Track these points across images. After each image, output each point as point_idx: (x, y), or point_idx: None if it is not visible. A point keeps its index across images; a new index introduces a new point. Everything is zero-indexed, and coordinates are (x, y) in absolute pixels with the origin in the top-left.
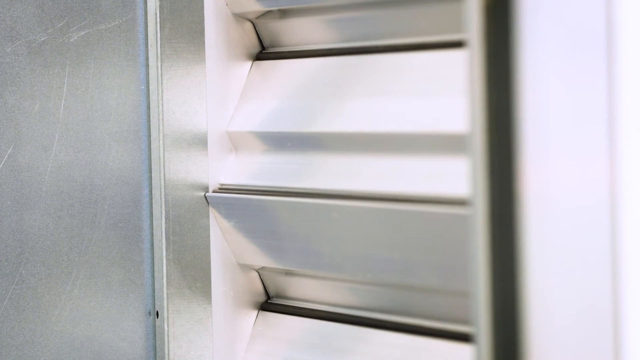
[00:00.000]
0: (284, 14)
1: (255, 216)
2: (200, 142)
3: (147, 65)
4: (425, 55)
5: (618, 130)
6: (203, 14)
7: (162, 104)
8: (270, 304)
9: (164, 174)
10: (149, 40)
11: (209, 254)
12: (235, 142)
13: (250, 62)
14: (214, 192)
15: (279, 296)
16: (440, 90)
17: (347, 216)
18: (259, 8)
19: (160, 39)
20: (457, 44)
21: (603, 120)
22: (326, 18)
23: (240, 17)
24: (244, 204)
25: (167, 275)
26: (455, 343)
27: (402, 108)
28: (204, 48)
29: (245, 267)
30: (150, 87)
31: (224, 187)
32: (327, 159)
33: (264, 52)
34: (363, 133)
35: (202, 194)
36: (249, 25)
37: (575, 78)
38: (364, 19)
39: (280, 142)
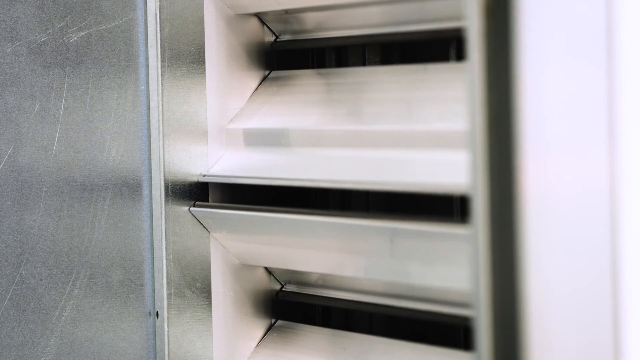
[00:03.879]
0: (287, 10)
1: (242, 229)
2: (200, 142)
3: (147, 66)
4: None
5: (618, 130)
6: (203, 14)
7: (162, 104)
8: (285, 292)
9: (164, 174)
10: (149, 41)
11: (209, 254)
12: (234, 140)
13: (254, 59)
14: (197, 206)
15: (291, 283)
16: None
17: (330, 231)
18: (260, 9)
19: (160, 40)
20: (456, 31)
21: (603, 119)
22: (329, 12)
23: (243, 15)
24: (228, 218)
25: (167, 276)
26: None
27: (399, 110)
28: (203, 48)
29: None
30: (150, 87)
31: (219, 175)
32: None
33: (278, 41)
34: (360, 131)
35: (202, 193)
36: (254, 20)
37: (575, 77)
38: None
39: (279, 139)
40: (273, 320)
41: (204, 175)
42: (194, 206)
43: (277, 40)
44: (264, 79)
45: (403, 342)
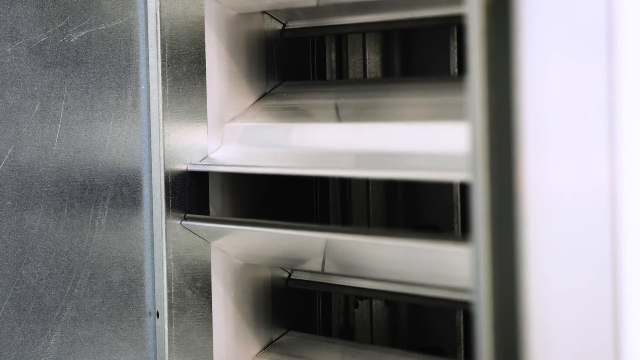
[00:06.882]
0: (289, 9)
1: (238, 239)
2: (200, 142)
3: (148, 66)
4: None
5: (618, 129)
6: (203, 14)
7: (163, 104)
8: (293, 280)
9: (164, 174)
10: (149, 41)
11: (209, 253)
12: (231, 137)
13: (255, 58)
14: (187, 219)
15: (298, 270)
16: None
17: (329, 244)
18: (260, 9)
19: (161, 39)
20: (456, 18)
21: (603, 119)
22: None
23: (243, 13)
24: (220, 231)
25: (167, 275)
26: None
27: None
28: (204, 48)
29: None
30: (151, 87)
31: (205, 164)
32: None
33: (287, 29)
34: (361, 128)
35: (200, 192)
36: (255, 16)
37: (575, 77)
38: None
39: (277, 136)
40: (276, 323)
41: (194, 165)
42: (185, 219)
43: (286, 28)
44: (273, 88)
45: (411, 353)
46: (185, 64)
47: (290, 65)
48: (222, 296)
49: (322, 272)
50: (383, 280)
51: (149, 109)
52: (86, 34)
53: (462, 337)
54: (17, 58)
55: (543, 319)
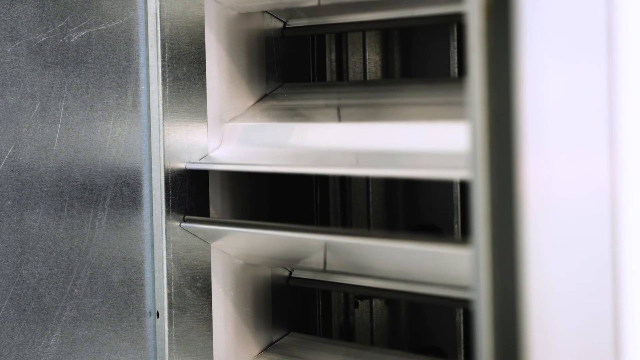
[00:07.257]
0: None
1: (237, 240)
2: (200, 142)
3: (148, 65)
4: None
5: (618, 129)
6: (203, 14)
7: (163, 104)
8: (294, 278)
9: (164, 173)
10: (149, 41)
11: (209, 253)
12: (231, 137)
13: (256, 58)
14: (187, 221)
15: (299, 268)
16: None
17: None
18: (261, 9)
19: (161, 39)
20: (456, 16)
21: (603, 119)
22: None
23: (244, 13)
24: (219, 233)
25: (167, 275)
26: None
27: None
28: (204, 48)
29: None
30: (151, 87)
31: (202, 162)
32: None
33: (288, 28)
34: (361, 127)
35: (200, 193)
36: (256, 15)
37: (575, 77)
38: None
39: (276, 135)
40: (276, 324)
41: (192, 163)
42: (184, 221)
43: (287, 26)
44: (274, 89)
45: (412, 355)
46: (185, 64)
47: (291, 65)
48: (222, 296)
49: (324, 271)
50: (384, 279)
51: (149, 109)
52: (86, 34)
53: (462, 337)
54: (17, 58)
55: (543, 319)
